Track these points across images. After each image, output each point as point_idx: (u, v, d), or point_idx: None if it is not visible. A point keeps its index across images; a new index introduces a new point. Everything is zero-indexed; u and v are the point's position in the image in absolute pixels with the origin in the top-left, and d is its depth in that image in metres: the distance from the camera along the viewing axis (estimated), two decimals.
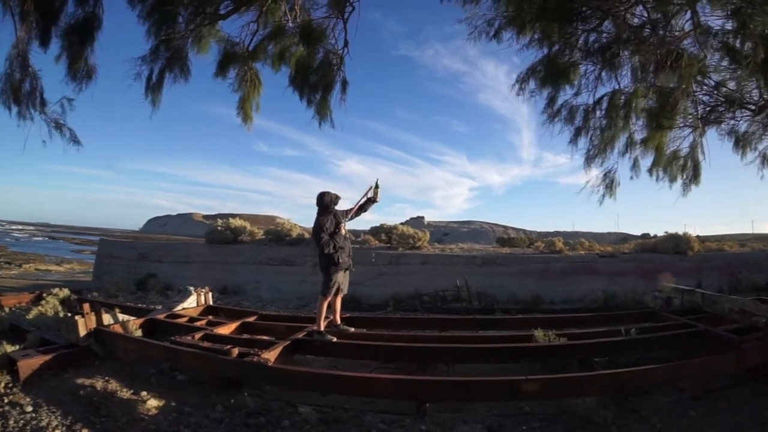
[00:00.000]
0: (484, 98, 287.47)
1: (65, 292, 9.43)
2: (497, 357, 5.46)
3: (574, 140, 8.47)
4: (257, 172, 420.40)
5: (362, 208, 6.37)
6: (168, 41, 7.28)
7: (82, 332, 5.70)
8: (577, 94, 8.14)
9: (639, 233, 45.86)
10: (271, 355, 4.89)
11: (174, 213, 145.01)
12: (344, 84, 7.88)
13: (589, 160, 8.50)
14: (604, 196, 8.57)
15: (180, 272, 15.57)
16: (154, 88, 7.53)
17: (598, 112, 8.14)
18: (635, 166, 8.70)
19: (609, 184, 8.53)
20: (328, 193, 6.03)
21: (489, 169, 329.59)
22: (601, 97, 8.03)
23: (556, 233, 58.69)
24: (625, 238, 43.04)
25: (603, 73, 7.76)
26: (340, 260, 5.89)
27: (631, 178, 8.81)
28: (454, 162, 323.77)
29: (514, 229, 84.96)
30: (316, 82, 7.75)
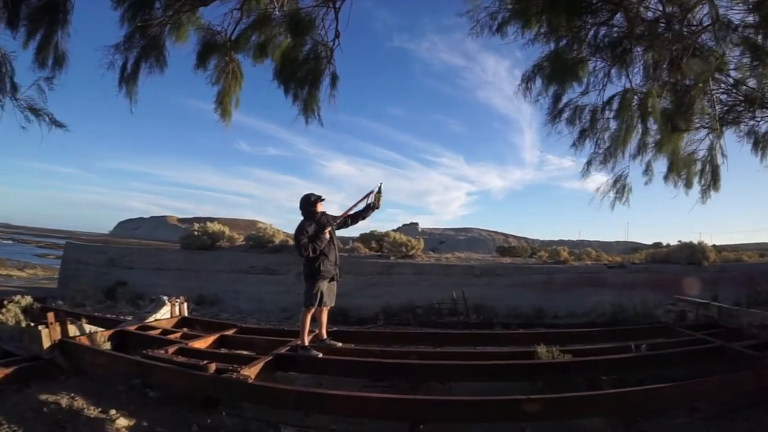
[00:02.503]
0: (484, 96, 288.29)
1: (27, 300, 9.31)
2: (497, 375, 5.47)
3: (578, 142, 8.49)
4: (238, 172, 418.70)
5: (360, 215, 6.35)
6: (144, 28, 7.24)
7: (46, 344, 5.64)
8: (584, 92, 8.17)
9: (650, 242, 46.08)
10: (251, 372, 4.88)
11: (147, 215, 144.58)
12: (334, 78, 7.83)
13: (591, 164, 8.52)
14: (615, 200, 8.57)
15: (153, 280, 15.54)
16: (129, 78, 7.47)
17: (607, 113, 8.16)
18: (648, 170, 8.71)
19: (621, 189, 8.53)
20: (306, 195, 6.05)
21: (488, 172, 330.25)
22: (612, 97, 8.04)
23: (561, 242, 58.83)
24: (635, 247, 43.26)
25: (613, 71, 7.79)
26: (322, 267, 5.85)
27: (646, 184, 8.82)
28: (451, 164, 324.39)
29: (515, 237, 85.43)
30: (304, 76, 7.71)
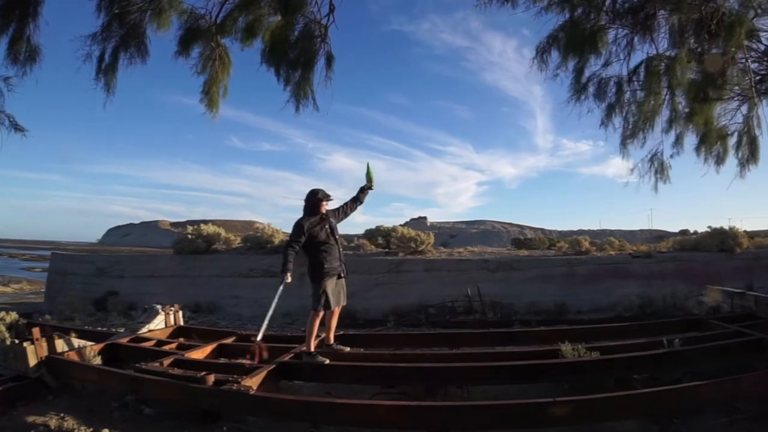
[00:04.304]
0: (490, 78, 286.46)
1: (13, 316, 9.31)
2: (518, 377, 5.39)
3: (606, 119, 8.34)
4: (231, 170, 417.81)
5: (356, 200, 6.37)
6: (122, 16, 7.16)
7: (32, 361, 5.61)
8: (607, 63, 8.04)
9: (676, 230, 46.03)
10: (253, 382, 4.83)
11: (137, 221, 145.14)
12: (329, 59, 7.68)
13: (625, 141, 8.38)
14: (657, 180, 8.43)
15: (145, 288, 15.57)
16: (107, 70, 7.39)
17: (634, 84, 8.02)
18: (677, 143, 8.57)
19: (659, 167, 8.40)
20: (313, 190, 6.01)
21: (499, 159, 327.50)
22: (638, 65, 7.91)
23: (581, 232, 58.82)
24: (660, 235, 43.25)
25: (635, 39, 7.65)
26: (326, 264, 5.79)
27: (672, 156, 8.66)
28: (459, 153, 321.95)
29: (531, 228, 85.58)
30: (296, 57, 7.57)
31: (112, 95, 7.56)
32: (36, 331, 5.84)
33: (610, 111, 8.34)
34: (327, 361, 5.67)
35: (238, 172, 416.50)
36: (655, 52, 7.59)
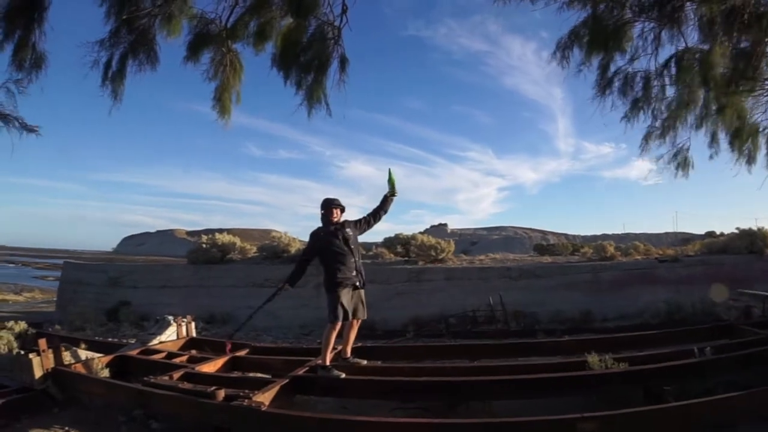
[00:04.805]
0: (510, 82, 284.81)
1: (22, 326, 9.37)
2: (544, 390, 5.25)
3: (630, 114, 8.19)
4: (248, 178, 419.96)
5: (380, 209, 6.29)
6: (131, 21, 7.14)
7: (38, 373, 5.59)
8: (632, 59, 7.90)
9: (701, 232, 45.56)
10: (265, 397, 4.75)
11: (153, 230, 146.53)
12: (343, 61, 7.60)
13: (649, 137, 8.23)
14: (679, 175, 8.28)
15: (159, 299, 15.65)
16: (114, 77, 7.38)
17: (662, 79, 7.87)
18: (712, 139, 8.42)
19: (682, 162, 8.24)
20: (325, 198, 6.05)
21: (520, 164, 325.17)
22: (668, 59, 7.75)
23: (604, 236, 58.20)
24: (686, 238, 42.79)
25: (663, 33, 7.50)
26: (339, 274, 5.73)
27: (711, 157, 8.61)
28: (479, 158, 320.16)
29: (553, 233, 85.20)
30: (308, 61, 7.50)
31: (119, 102, 7.56)
32: (42, 342, 5.83)
33: (635, 106, 8.23)
34: (343, 375, 5.56)
35: (255, 180, 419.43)
36: (684, 45, 7.44)
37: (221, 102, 7.79)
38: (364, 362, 6.12)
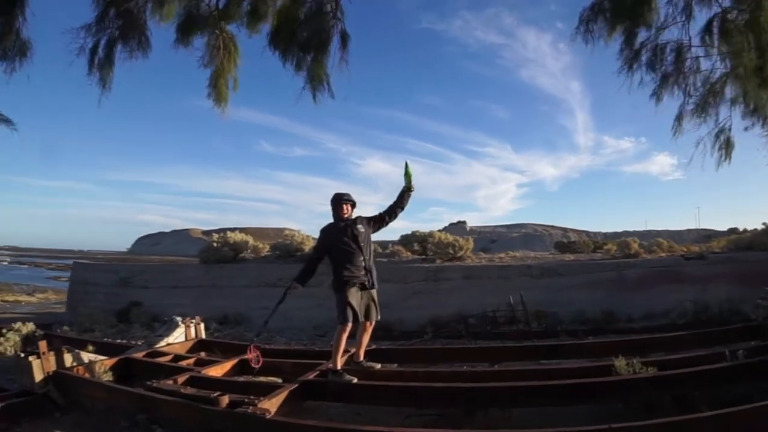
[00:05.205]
0: (527, 75, 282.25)
1: (29, 327, 9.31)
2: (568, 396, 5.03)
3: (660, 92, 7.84)
4: (262, 176, 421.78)
5: (397, 205, 6.09)
6: (118, 4, 6.99)
7: (38, 376, 5.57)
8: (661, 28, 7.53)
9: (724, 228, 45.08)
10: (271, 404, 4.62)
11: (168, 229, 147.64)
12: (344, 37, 7.42)
13: (681, 118, 7.89)
14: (721, 156, 7.93)
15: (170, 299, 15.66)
16: (102, 63, 7.21)
17: (695, 50, 7.52)
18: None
19: (724, 143, 7.89)
20: (335, 194, 5.94)
21: (539, 160, 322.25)
22: (709, 22, 7.33)
23: (626, 233, 57.69)
24: (709, 234, 42.41)
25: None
26: (345, 273, 5.61)
27: (746, 129, 8.14)
28: (497, 154, 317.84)
29: (574, 230, 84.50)
30: (307, 38, 7.29)
31: (108, 91, 7.43)
32: (42, 345, 5.81)
33: (665, 81, 7.86)
34: (355, 380, 5.42)
35: (270, 178, 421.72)
36: (720, 10, 7.09)
37: (217, 89, 7.64)
38: (378, 366, 5.98)
